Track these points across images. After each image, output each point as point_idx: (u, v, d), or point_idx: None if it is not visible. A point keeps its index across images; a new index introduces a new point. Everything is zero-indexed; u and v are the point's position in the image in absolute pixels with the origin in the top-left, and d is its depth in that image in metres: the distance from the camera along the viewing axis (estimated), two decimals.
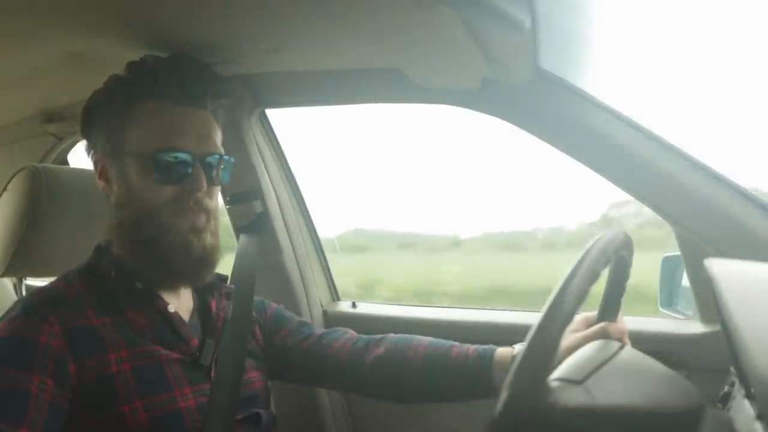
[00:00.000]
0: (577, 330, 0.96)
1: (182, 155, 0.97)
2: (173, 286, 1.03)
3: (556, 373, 0.69)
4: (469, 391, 1.06)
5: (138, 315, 0.97)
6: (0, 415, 0.81)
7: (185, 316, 1.03)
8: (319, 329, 1.21)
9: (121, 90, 1.01)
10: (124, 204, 0.99)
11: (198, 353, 1.00)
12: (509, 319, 1.38)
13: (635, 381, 0.74)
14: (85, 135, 1.05)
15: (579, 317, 0.99)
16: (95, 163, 1.02)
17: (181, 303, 1.04)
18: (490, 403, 0.67)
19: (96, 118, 1.02)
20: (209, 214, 1.01)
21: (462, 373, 1.05)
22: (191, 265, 0.98)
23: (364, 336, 1.17)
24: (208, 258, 1.01)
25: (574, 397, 0.65)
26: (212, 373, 1.00)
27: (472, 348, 1.07)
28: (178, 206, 0.97)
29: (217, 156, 1.01)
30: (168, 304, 1.00)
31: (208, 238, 1.00)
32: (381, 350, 1.12)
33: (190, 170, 0.97)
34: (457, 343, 1.10)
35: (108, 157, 1.00)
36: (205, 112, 1.03)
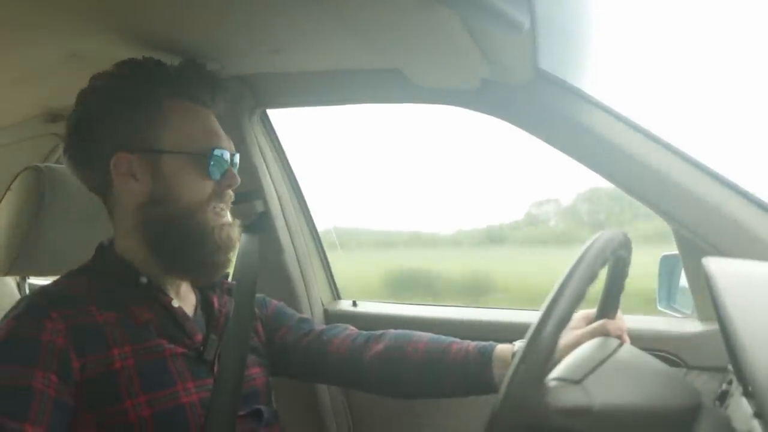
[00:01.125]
0: (576, 327, 0.97)
1: (226, 153, 1.03)
2: (203, 279, 1.06)
3: (554, 373, 0.70)
4: (469, 388, 1.07)
5: (142, 310, 0.98)
6: (4, 411, 0.82)
7: (189, 311, 1.04)
8: (319, 325, 1.22)
9: (142, 88, 1.00)
10: (162, 201, 0.99)
11: (202, 348, 1.01)
12: (508, 318, 1.39)
13: (633, 379, 0.74)
14: (84, 135, 1.02)
15: (578, 315, 0.99)
16: (115, 162, 0.98)
17: (183, 299, 1.05)
18: (491, 402, 0.67)
19: (108, 117, 1.00)
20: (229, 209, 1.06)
21: (462, 369, 1.06)
22: (226, 258, 1.03)
23: (364, 332, 1.18)
24: (235, 251, 1.06)
25: (570, 398, 0.66)
26: (215, 369, 1.01)
27: (472, 344, 1.08)
28: (216, 201, 1.01)
29: (236, 155, 1.06)
30: (172, 299, 1.01)
31: (238, 232, 1.05)
32: (381, 346, 1.13)
33: (227, 167, 1.03)
34: (457, 340, 1.10)
35: (134, 155, 0.99)
36: (216, 114, 1.08)
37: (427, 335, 1.13)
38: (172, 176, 0.99)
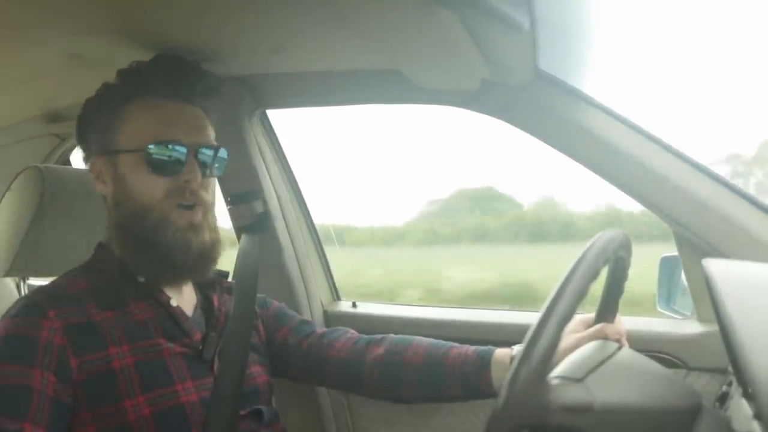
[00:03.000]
0: (575, 331, 0.97)
1: (176, 147, 0.98)
2: (175, 280, 1.03)
3: (556, 371, 0.70)
4: (468, 392, 1.07)
5: (140, 309, 0.98)
6: (3, 411, 0.82)
7: (188, 310, 1.04)
8: (320, 328, 1.22)
9: (111, 93, 1.03)
10: (121, 202, 1.00)
11: (201, 347, 1.01)
12: (509, 319, 1.38)
13: (634, 380, 0.74)
14: (81, 141, 1.07)
15: (577, 319, 0.99)
16: (92, 167, 1.03)
17: (183, 298, 1.05)
18: (490, 403, 0.67)
19: (89, 123, 1.04)
20: (206, 207, 1.02)
21: (461, 373, 1.06)
22: (192, 260, 0.99)
23: (365, 336, 1.18)
24: (209, 253, 1.01)
25: (572, 395, 0.66)
26: (215, 367, 1.01)
27: (471, 349, 1.08)
28: (174, 199, 0.98)
29: (210, 148, 1.02)
30: (170, 298, 1.01)
31: (207, 235, 1.01)
32: (381, 350, 1.13)
33: (184, 162, 0.98)
34: (456, 344, 1.10)
35: (102, 158, 1.01)
36: (195, 107, 1.04)
37: (427, 340, 1.13)
38: (125, 176, 0.99)
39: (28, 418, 0.82)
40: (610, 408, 0.67)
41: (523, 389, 0.63)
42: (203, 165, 1.01)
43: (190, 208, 0.99)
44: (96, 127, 1.02)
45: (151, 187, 0.98)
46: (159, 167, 0.97)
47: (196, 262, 1.00)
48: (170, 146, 0.97)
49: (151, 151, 0.96)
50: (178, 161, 0.98)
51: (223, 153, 1.04)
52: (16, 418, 0.82)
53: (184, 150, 0.98)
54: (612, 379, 0.71)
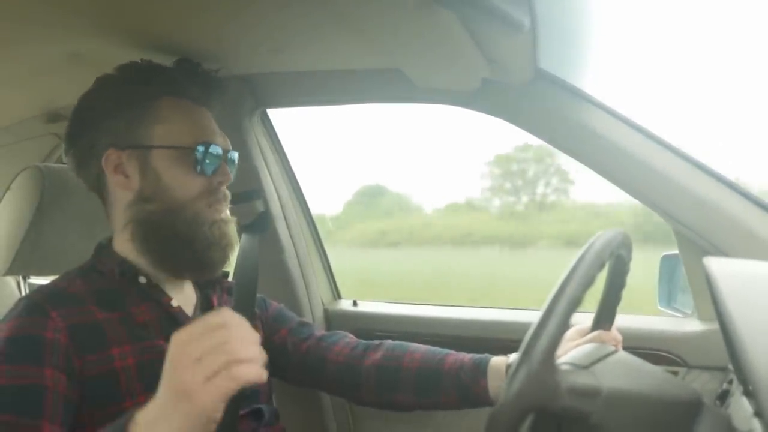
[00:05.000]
0: (572, 340, 0.98)
1: (218, 149, 1.01)
2: (200, 275, 1.05)
3: (563, 359, 0.71)
4: (464, 399, 1.07)
5: (141, 310, 0.97)
6: (20, 410, 0.82)
7: (188, 310, 1.04)
8: (319, 331, 1.22)
9: (135, 88, 1.01)
10: (150, 197, 0.99)
11: None
12: (509, 317, 1.39)
13: (636, 374, 0.75)
14: (81, 134, 1.03)
15: (573, 329, 1.01)
16: (106, 159, 1.00)
17: (183, 298, 1.05)
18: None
19: (105, 116, 1.01)
20: (228, 206, 1.05)
21: (456, 378, 1.07)
22: (220, 254, 1.01)
23: (363, 341, 1.19)
24: (232, 249, 1.04)
25: (582, 379, 0.66)
26: None
27: (467, 356, 1.08)
28: (208, 198, 1.00)
29: (233, 152, 1.06)
30: (171, 298, 1.01)
31: (233, 230, 1.04)
32: (378, 355, 1.14)
33: (219, 163, 1.02)
34: (452, 352, 1.11)
35: (124, 152, 0.99)
36: (209, 111, 1.07)
37: (424, 347, 1.14)
38: (160, 171, 0.99)
39: (45, 416, 0.82)
40: (618, 394, 0.68)
41: (532, 371, 0.63)
42: (230, 167, 1.05)
43: (220, 205, 1.02)
44: (115, 119, 1.00)
45: (190, 184, 0.99)
46: (204, 167, 0.99)
47: (222, 257, 1.02)
48: (214, 147, 1.01)
49: (200, 150, 0.99)
50: (218, 162, 1.01)
51: (237, 157, 1.08)
52: (34, 416, 0.82)
53: (221, 152, 1.02)
54: (617, 369, 0.73)
